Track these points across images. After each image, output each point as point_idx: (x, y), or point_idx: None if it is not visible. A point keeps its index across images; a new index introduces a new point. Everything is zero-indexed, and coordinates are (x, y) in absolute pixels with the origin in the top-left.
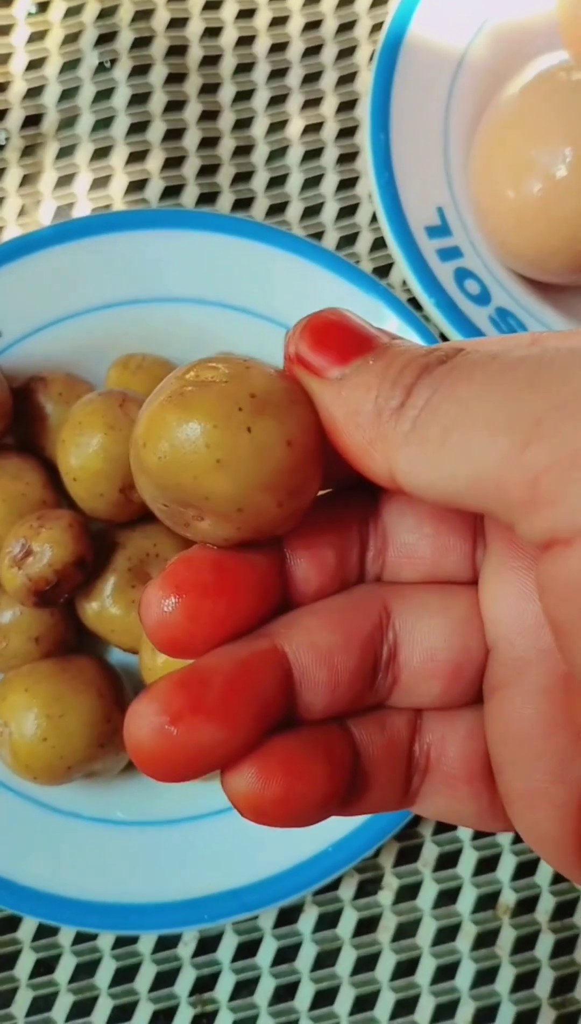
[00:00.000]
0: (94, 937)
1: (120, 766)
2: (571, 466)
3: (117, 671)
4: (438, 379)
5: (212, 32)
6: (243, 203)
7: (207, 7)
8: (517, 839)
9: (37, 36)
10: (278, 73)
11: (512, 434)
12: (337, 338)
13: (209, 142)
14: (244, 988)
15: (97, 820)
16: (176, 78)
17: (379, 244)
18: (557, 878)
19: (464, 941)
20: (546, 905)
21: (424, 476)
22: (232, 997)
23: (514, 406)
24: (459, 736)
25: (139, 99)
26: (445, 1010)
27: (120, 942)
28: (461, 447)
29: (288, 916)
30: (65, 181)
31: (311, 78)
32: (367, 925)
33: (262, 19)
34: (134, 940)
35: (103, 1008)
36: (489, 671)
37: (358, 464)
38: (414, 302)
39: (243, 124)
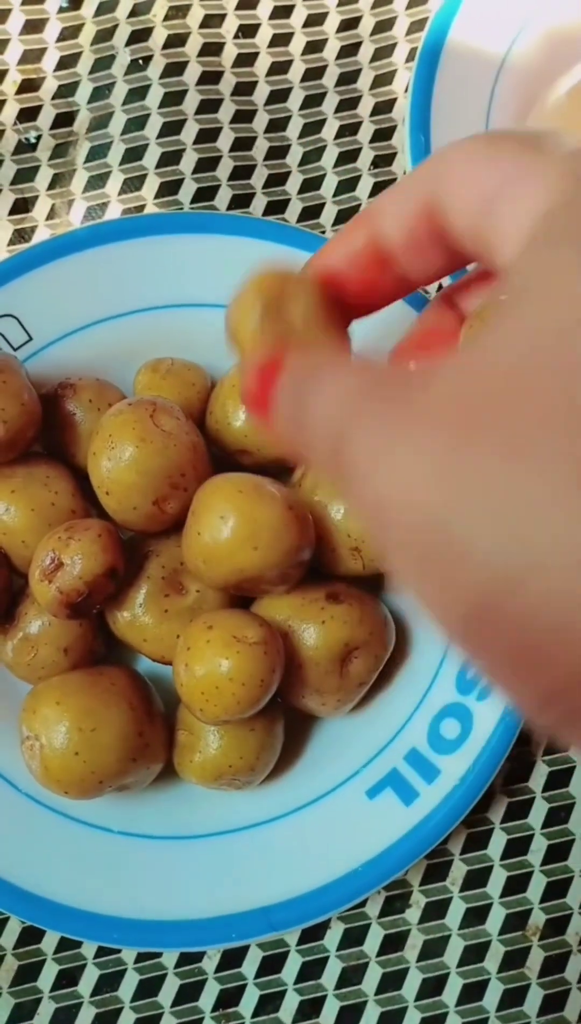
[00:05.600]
0: (117, 950)
1: (150, 778)
2: None
3: (148, 683)
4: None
5: (247, 30)
6: (277, 206)
7: (242, 4)
8: (545, 861)
9: (69, 32)
10: (314, 72)
11: None
12: None
13: (243, 143)
14: (269, 1003)
15: (126, 834)
16: (210, 77)
17: None
18: None
19: (492, 961)
20: (576, 927)
21: None
22: (256, 1013)
23: None
24: None
25: (173, 98)
26: None
27: (143, 955)
28: None
29: (313, 932)
30: (97, 182)
31: (347, 78)
32: (394, 943)
33: (298, 17)
34: (158, 953)
35: (126, 1021)
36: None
37: None
38: None
39: (278, 125)
